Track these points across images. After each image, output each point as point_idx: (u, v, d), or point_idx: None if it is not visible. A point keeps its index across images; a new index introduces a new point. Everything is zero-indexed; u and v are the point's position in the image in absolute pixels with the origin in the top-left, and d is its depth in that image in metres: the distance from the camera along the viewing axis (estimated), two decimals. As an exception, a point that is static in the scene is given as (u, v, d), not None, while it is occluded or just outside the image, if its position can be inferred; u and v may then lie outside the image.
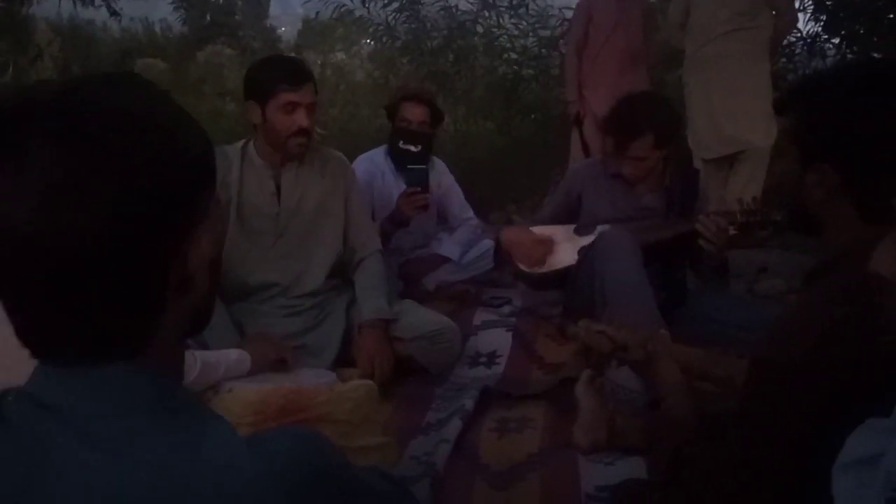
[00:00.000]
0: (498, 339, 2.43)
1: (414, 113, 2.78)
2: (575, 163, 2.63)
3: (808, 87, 1.17)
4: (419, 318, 2.19)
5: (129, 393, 0.58)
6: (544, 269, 2.48)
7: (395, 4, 6.03)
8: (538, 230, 2.55)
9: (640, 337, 1.57)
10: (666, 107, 2.39)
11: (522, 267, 2.52)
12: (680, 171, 2.52)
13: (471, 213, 3.08)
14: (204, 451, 0.57)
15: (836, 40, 5.26)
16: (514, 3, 5.97)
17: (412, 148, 2.77)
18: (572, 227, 2.53)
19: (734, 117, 3.55)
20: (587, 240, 2.39)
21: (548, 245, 2.48)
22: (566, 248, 2.46)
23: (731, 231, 2.10)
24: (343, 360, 2.10)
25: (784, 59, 5.23)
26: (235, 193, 2.07)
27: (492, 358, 2.33)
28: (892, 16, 4.94)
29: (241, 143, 2.16)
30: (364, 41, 7.06)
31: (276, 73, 2.00)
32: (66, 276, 0.55)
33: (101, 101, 0.58)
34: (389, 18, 6.11)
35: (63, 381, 0.58)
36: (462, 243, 2.96)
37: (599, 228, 2.42)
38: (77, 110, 0.56)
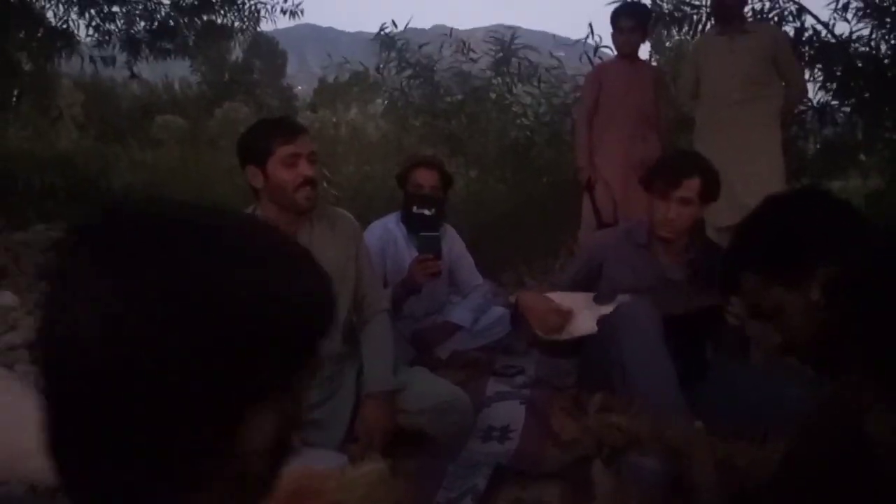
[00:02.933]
0: (511, 412, 2.38)
1: (426, 178, 2.82)
2: (597, 232, 2.63)
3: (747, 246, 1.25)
4: (429, 389, 2.14)
5: None
6: (562, 337, 2.42)
7: (409, 71, 6.15)
8: (556, 296, 2.50)
9: (656, 427, 1.52)
10: (710, 163, 2.41)
11: (538, 333, 2.46)
12: (703, 243, 2.50)
13: (481, 280, 3.08)
14: None
15: (847, 108, 5.30)
16: (527, 71, 6.07)
17: (426, 212, 2.80)
18: (591, 294, 2.48)
19: (749, 185, 3.54)
20: (607, 309, 2.34)
21: (565, 314, 2.42)
22: (585, 316, 2.40)
23: None
24: (353, 434, 2.05)
25: (796, 127, 5.26)
26: None
27: (504, 432, 2.28)
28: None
29: (248, 210, 2.13)
30: (378, 100, 7.20)
31: (270, 131, 2.00)
32: (126, 404, 0.49)
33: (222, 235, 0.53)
34: (403, 84, 6.23)
35: None
36: (474, 310, 2.93)
37: (620, 298, 2.38)
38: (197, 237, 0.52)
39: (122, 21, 7.86)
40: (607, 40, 4.41)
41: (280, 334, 0.51)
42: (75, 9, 7.51)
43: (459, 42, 6.27)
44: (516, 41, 6.14)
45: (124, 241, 0.51)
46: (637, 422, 1.51)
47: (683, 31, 5.64)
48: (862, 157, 5.84)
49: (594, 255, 2.58)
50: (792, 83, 3.72)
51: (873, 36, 5.05)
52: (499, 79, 6.14)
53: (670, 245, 2.43)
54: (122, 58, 8.28)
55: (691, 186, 2.30)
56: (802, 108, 5.13)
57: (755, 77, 3.58)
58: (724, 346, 2.35)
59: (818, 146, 5.71)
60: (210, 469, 0.52)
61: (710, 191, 2.34)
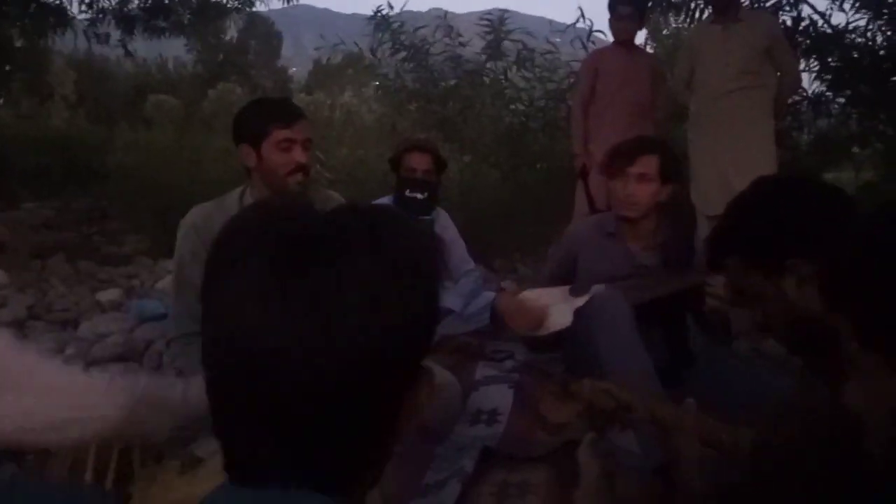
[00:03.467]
0: (499, 396, 2.38)
1: (419, 161, 2.82)
2: (572, 224, 2.66)
3: (731, 234, 1.24)
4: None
5: None
6: (541, 333, 2.47)
7: (403, 53, 6.12)
8: (534, 294, 2.55)
9: (647, 399, 1.54)
10: (670, 147, 2.44)
11: (518, 331, 2.53)
12: (673, 227, 2.51)
13: (472, 265, 3.08)
14: None
15: (842, 99, 5.31)
16: (521, 55, 6.05)
17: (418, 195, 2.79)
18: (567, 288, 2.53)
19: (741, 174, 3.55)
20: (582, 300, 2.37)
21: (542, 312, 2.47)
22: (562, 310, 2.44)
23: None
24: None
25: (790, 118, 5.27)
26: None
27: (493, 416, 2.28)
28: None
29: (238, 191, 2.10)
30: (373, 83, 7.18)
31: (268, 112, 1.97)
32: (321, 397, 0.54)
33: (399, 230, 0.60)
34: (397, 66, 6.20)
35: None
36: (464, 295, 2.94)
37: (594, 289, 2.41)
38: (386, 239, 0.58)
39: (115, -2, 7.79)
40: (600, 24, 4.40)
41: (433, 316, 0.61)
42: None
43: (451, 27, 6.23)
44: (510, 25, 6.11)
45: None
46: (628, 391, 1.53)
47: (680, 18, 5.62)
48: (855, 149, 5.86)
49: (569, 247, 2.61)
50: (786, 73, 3.73)
51: (870, 27, 5.05)
52: (493, 63, 6.12)
53: (639, 230, 2.44)
54: (115, 35, 8.21)
55: (648, 163, 2.32)
56: (797, 98, 5.14)
57: (749, 67, 3.58)
58: (706, 328, 2.37)
59: (812, 137, 5.72)
60: (388, 445, 0.61)
61: (669, 169, 2.34)
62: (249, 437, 0.56)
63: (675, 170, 2.40)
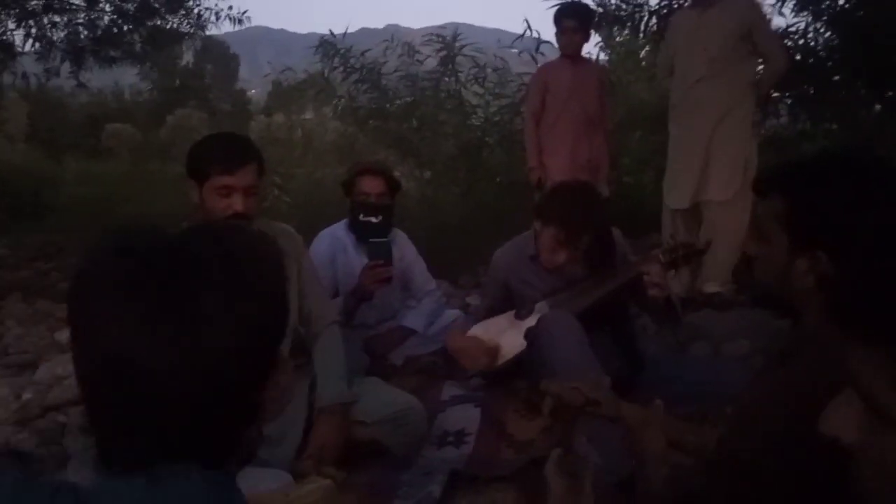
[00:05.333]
0: (466, 416, 2.39)
1: (371, 185, 2.78)
2: (496, 253, 2.66)
3: (800, 172, 1.14)
4: (382, 399, 2.13)
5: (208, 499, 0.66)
6: (498, 363, 2.50)
7: (355, 76, 6.13)
8: (481, 326, 2.58)
9: (615, 398, 1.56)
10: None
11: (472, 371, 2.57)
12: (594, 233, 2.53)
13: (434, 285, 3.07)
14: None
15: (789, 101, 5.44)
16: (473, 73, 6.10)
17: (373, 219, 2.77)
18: (512, 312, 2.56)
19: (715, 162, 3.50)
20: (530, 321, 2.41)
21: (493, 349, 2.50)
22: (512, 335, 2.47)
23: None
24: (306, 448, 2.03)
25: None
26: None
27: (460, 437, 2.29)
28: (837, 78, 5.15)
29: (185, 225, 2.08)
30: (332, 103, 7.18)
31: (212, 154, 1.92)
32: (189, 398, 0.64)
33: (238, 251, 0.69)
34: (350, 89, 6.21)
35: (136, 485, 0.64)
36: (427, 315, 2.94)
37: (538, 307, 2.47)
38: (232, 260, 0.67)
39: (63, 31, 7.66)
40: (548, 36, 4.44)
41: (282, 310, 0.73)
42: (13, 20, 7.27)
43: (405, 44, 6.27)
44: (462, 40, 6.16)
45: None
46: (596, 390, 1.55)
47: (625, 33, 5.71)
48: (805, 147, 6.00)
49: (495, 276, 2.64)
50: (770, 56, 3.55)
51: (809, 30, 5.19)
52: (446, 79, 6.16)
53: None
54: (66, 67, 8.08)
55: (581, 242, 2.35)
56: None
57: (722, 53, 3.41)
58: (654, 314, 2.42)
59: (760, 139, 5.85)
60: (258, 425, 0.72)
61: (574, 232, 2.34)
62: (126, 434, 0.65)
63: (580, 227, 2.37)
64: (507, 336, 2.50)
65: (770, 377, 1.21)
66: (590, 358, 2.14)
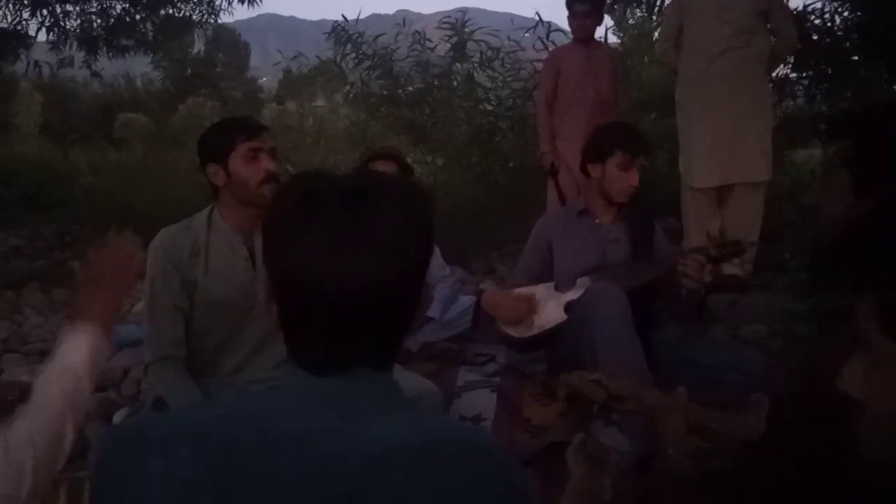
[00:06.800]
0: (482, 401, 2.39)
1: (383, 170, 2.77)
2: (540, 218, 2.66)
3: (870, 116, 1.15)
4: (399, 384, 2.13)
5: (387, 392, 0.76)
6: (533, 332, 2.40)
7: (368, 62, 6.10)
8: (520, 291, 2.50)
9: (636, 389, 1.55)
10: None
11: (510, 332, 2.45)
12: (632, 203, 2.54)
13: (448, 270, 3.07)
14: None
15: (805, 82, 5.37)
16: (486, 56, 6.06)
17: None
18: (552, 284, 2.48)
19: (740, 134, 3.43)
20: (572, 294, 2.36)
21: (531, 302, 2.42)
22: (552, 307, 2.39)
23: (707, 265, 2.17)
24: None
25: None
26: (204, 264, 2.00)
27: (476, 422, 2.29)
28: (856, 58, 5.07)
29: (206, 211, 2.07)
30: (344, 90, 7.16)
31: (231, 128, 1.99)
32: (379, 306, 0.73)
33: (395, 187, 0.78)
34: (363, 75, 6.18)
35: (334, 384, 0.74)
36: (442, 301, 2.93)
37: (580, 282, 2.40)
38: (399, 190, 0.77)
39: (77, 20, 7.68)
40: (560, 21, 4.41)
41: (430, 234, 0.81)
42: (27, 10, 7.30)
43: (416, 32, 6.23)
44: (473, 25, 6.11)
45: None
46: (618, 382, 1.54)
47: (641, 10, 5.65)
48: (822, 126, 5.92)
49: (540, 237, 2.59)
50: (782, 34, 3.56)
51: (826, 9, 5.11)
52: (458, 65, 6.13)
53: (609, 209, 2.50)
54: (80, 56, 8.11)
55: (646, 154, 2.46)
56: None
57: (745, 27, 3.41)
58: (680, 317, 2.40)
59: (777, 119, 5.78)
60: (410, 329, 0.82)
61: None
62: (324, 340, 0.74)
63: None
64: (545, 305, 2.40)
65: (794, 359, 1.21)
66: (636, 344, 2.09)
